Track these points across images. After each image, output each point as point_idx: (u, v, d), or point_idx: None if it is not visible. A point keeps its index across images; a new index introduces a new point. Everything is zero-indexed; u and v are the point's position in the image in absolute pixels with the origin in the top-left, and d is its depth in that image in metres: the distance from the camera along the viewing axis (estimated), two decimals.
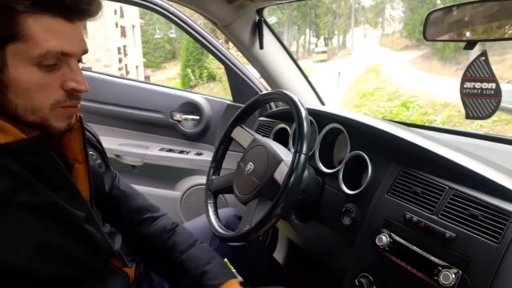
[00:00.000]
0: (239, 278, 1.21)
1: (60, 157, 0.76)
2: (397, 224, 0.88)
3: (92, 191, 0.80)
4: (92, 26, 19.29)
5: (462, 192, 0.80)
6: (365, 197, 1.00)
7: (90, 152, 0.86)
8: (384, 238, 0.88)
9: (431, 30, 0.95)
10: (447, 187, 0.83)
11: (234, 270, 1.41)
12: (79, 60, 0.69)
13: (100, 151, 0.94)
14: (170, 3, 1.60)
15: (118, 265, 0.86)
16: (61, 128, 0.69)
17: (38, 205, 0.65)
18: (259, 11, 1.37)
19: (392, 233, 0.88)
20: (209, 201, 1.19)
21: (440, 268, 0.76)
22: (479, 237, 0.73)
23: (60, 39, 0.63)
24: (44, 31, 0.61)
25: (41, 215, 0.66)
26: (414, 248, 0.83)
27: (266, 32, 1.43)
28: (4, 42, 0.60)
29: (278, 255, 1.79)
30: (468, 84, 0.83)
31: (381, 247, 0.88)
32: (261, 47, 1.42)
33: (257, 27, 1.40)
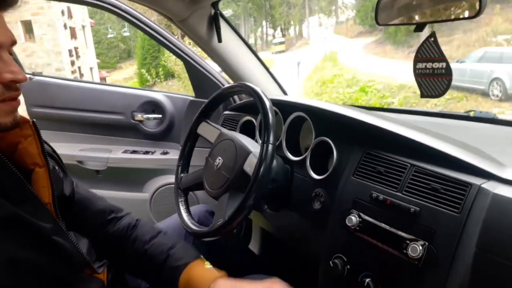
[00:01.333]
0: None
1: (18, 166, 0.73)
2: (364, 204, 0.92)
3: (55, 195, 0.76)
4: (39, 29, 18.33)
5: (423, 168, 0.85)
6: (333, 181, 1.03)
7: None
8: (353, 219, 0.91)
9: (382, 15, 0.98)
10: (409, 164, 0.87)
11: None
12: (10, 52, 0.66)
13: (56, 158, 0.89)
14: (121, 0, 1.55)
15: (88, 273, 0.83)
16: (8, 124, 0.66)
17: (1, 219, 0.62)
18: (214, 4, 1.36)
19: (361, 213, 0.91)
20: (179, 200, 1.17)
21: (408, 242, 0.80)
22: (441, 209, 0.77)
23: None
24: None
25: (5, 229, 0.63)
26: (382, 225, 0.86)
27: (223, 25, 1.42)
28: None
29: (253, 245, 1.80)
30: (420, 65, 0.87)
31: (352, 227, 0.91)
32: (219, 40, 1.41)
33: (214, 21, 1.38)
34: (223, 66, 1.56)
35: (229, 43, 1.49)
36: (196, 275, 0.87)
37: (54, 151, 0.91)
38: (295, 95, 1.39)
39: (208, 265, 0.91)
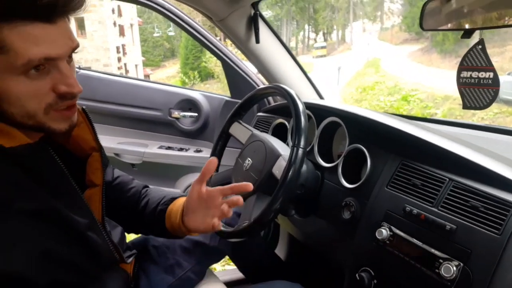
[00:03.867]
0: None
1: (70, 155, 0.80)
2: (397, 217, 0.87)
3: (104, 177, 0.82)
4: (90, 26, 19.28)
5: (462, 183, 0.79)
6: (365, 191, 0.99)
7: None
8: (384, 232, 0.87)
9: (428, 20, 0.93)
10: (447, 179, 0.82)
11: (235, 267, 1.41)
12: (70, 58, 0.67)
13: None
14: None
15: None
16: (62, 129, 0.68)
17: (38, 211, 0.64)
18: (255, 5, 1.36)
19: (392, 226, 0.87)
20: None
21: (441, 261, 0.75)
22: (480, 228, 0.72)
23: (42, 45, 0.60)
24: (22, 39, 0.58)
25: (41, 221, 0.64)
26: (415, 241, 0.82)
27: (262, 26, 1.41)
28: None
29: (280, 251, 1.78)
30: (465, 74, 0.82)
31: (381, 240, 0.88)
32: (257, 41, 1.40)
33: (253, 21, 1.38)
34: (260, 67, 1.56)
35: (267, 44, 1.48)
36: (177, 203, 0.92)
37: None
38: (332, 100, 1.36)
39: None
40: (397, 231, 0.86)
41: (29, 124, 0.65)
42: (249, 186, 0.82)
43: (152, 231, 0.99)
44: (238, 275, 1.50)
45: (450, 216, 0.78)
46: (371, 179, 0.99)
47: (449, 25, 0.92)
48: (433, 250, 0.78)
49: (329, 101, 1.30)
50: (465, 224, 0.74)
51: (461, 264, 0.72)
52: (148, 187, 1.04)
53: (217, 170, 1.24)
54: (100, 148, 0.82)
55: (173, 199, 0.94)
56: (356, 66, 21.14)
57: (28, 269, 0.62)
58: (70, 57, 0.67)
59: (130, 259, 0.89)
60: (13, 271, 0.60)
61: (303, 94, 1.57)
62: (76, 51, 0.68)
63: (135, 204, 0.98)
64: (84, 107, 0.80)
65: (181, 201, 0.93)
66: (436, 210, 0.81)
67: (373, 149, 1.02)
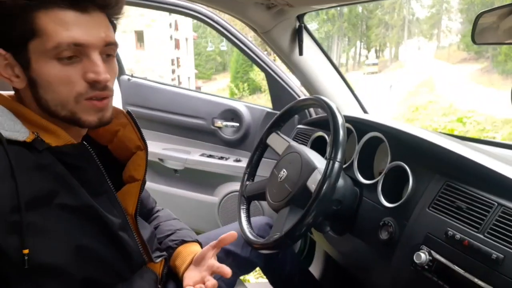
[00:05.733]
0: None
1: (111, 157, 0.85)
2: (438, 241, 0.82)
3: (145, 175, 0.85)
4: (149, 38, 20.36)
5: None
6: (405, 211, 0.94)
7: None
8: (423, 256, 0.82)
9: (481, 34, 0.88)
10: (496, 204, 0.76)
11: (265, 281, 1.38)
12: (108, 53, 0.70)
13: None
14: (222, 15, 1.63)
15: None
16: (92, 122, 0.70)
17: (77, 207, 0.67)
18: (299, 17, 1.36)
19: (432, 251, 0.82)
20: (242, 207, 1.17)
21: None
22: None
23: (72, 31, 0.63)
24: (55, 24, 0.63)
25: (79, 218, 0.67)
26: (456, 268, 0.76)
27: (306, 38, 1.41)
28: (25, 40, 0.63)
29: (314, 268, 1.73)
30: None
31: (420, 265, 0.82)
32: (301, 53, 1.40)
33: (297, 34, 1.38)
34: (302, 80, 1.55)
35: (310, 56, 1.46)
36: (186, 250, 0.96)
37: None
38: (375, 115, 1.31)
39: (199, 247, 0.99)
40: (437, 256, 0.80)
41: (62, 115, 0.68)
42: (234, 235, 0.88)
43: None
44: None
45: (497, 244, 0.71)
46: (412, 199, 0.93)
47: (505, 39, 0.86)
48: (476, 280, 0.71)
49: (372, 116, 1.25)
50: None
51: None
52: (156, 204, 1.12)
53: (252, 180, 1.24)
54: (145, 147, 0.85)
55: (183, 241, 0.98)
56: (409, 84, 20.44)
57: (64, 262, 0.64)
58: (108, 55, 0.70)
59: (159, 259, 0.90)
60: (51, 262, 0.63)
61: (346, 107, 1.54)
62: (109, 46, 0.69)
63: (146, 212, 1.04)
64: (129, 109, 0.84)
65: (191, 248, 0.97)
66: (481, 236, 0.74)
67: (416, 167, 0.97)
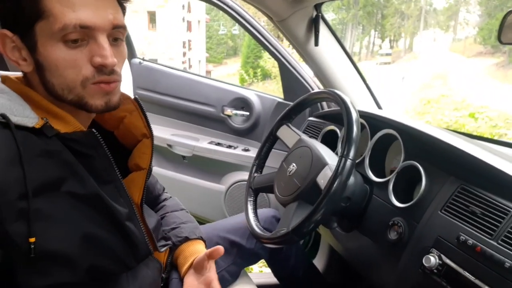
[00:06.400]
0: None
1: (117, 143, 0.84)
2: (449, 245, 0.80)
3: (151, 164, 0.84)
4: (161, 19, 20.23)
5: None
6: (416, 212, 0.92)
7: None
8: (432, 259, 0.80)
9: (508, 33, 0.84)
10: None
11: (270, 271, 1.38)
12: (117, 39, 0.68)
13: None
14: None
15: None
16: (98, 106, 0.68)
17: (85, 195, 0.66)
18: (317, 6, 1.32)
19: (442, 255, 0.80)
20: (249, 199, 1.16)
21: None
22: None
23: (78, 12, 0.62)
24: (62, 5, 0.61)
25: (86, 206, 0.67)
26: (467, 274, 0.74)
27: (322, 28, 1.37)
28: (32, 21, 0.62)
29: (318, 262, 1.73)
30: None
31: (429, 268, 0.80)
32: (316, 44, 1.36)
33: (314, 23, 1.34)
34: (316, 71, 1.51)
35: (326, 47, 1.43)
36: (189, 249, 0.97)
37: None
38: (390, 111, 1.28)
39: (203, 245, 1.00)
40: (447, 261, 0.78)
41: (69, 99, 0.67)
42: (220, 251, 0.89)
43: None
44: (273, 279, 1.47)
45: (511, 252, 0.69)
46: (424, 201, 0.91)
47: None
48: None
49: (387, 112, 1.22)
50: None
51: None
52: (165, 191, 1.12)
53: (261, 171, 1.23)
54: (151, 135, 0.84)
55: (187, 238, 0.98)
56: (422, 76, 20.12)
57: (71, 250, 0.64)
58: (116, 39, 0.68)
59: (164, 249, 0.90)
60: (58, 249, 0.63)
61: (360, 102, 1.51)
62: (117, 29, 0.67)
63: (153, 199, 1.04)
64: (136, 96, 0.82)
65: (194, 248, 0.97)
66: (495, 243, 0.72)
67: (430, 168, 0.94)
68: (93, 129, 0.71)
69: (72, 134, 0.67)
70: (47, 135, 0.64)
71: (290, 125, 1.17)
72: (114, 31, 0.67)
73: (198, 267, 0.92)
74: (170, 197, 1.12)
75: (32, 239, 0.59)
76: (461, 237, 0.77)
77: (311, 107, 1.58)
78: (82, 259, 0.65)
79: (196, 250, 0.97)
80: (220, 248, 0.89)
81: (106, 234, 0.69)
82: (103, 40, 0.65)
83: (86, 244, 0.66)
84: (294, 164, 1.04)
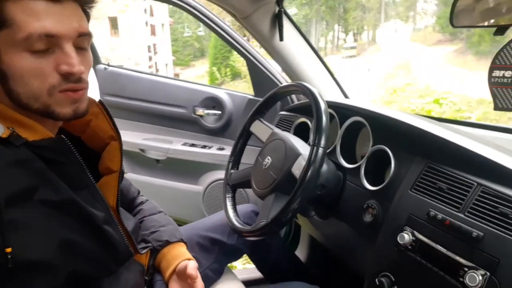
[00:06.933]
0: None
1: (86, 148, 0.82)
2: (420, 222, 0.84)
3: (122, 166, 0.84)
4: (123, 25, 19.81)
5: (491, 188, 0.75)
6: (388, 193, 0.96)
7: None
8: (406, 236, 0.84)
9: (459, 16, 0.89)
10: (475, 183, 0.78)
11: (253, 267, 1.40)
12: (82, 47, 0.68)
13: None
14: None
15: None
16: (66, 115, 0.68)
17: (59, 202, 0.65)
18: (279, 2, 1.34)
19: (415, 231, 0.84)
20: (227, 195, 1.17)
21: (466, 269, 0.71)
22: (509, 236, 0.68)
23: (43, 21, 0.61)
24: (25, 14, 0.60)
25: (62, 213, 0.66)
26: (438, 247, 0.78)
27: (286, 23, 1.40)
28: None
29: (300, 252, 1.76)
30: (497, 73, 0.77)
31: (403, 245, 0.84)
32: (281, 39, 1.38)
33: (277, 19, 1.37)
34: (283, 65, 1.54)
35: (291, 42, 1.46)
36: (171, 253, 0.96)
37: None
38: (356, 100, 1.32)
39: (184, 248, 1.00)
40: (420, 236, 0.82)
41: (35, 107, 0.66)
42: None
43: None
44: (257, 274, 1.48)
45: (477, 222, 0.73)
46: (395, 182, 0.95)
47: (481, 21, 0.87)
48: (458, 258, 0.74)
49: (354, 101, 1.26)
50: (493, 232, 0.70)
51: (488, 273, 0.68)
52: (140, 194, 1.11)
53: (237, 168, 1.24)
54: (118, 137, 0.83)
55: (168, 242, 0.97)
56: (386, 67, 20.68)
57: (49, 258, 0.63)
58: (82, 48, 0.68)
59: (145, 251, 0.90)
60: (36, 258, 0.62)
61: (328, 93, 1.54)
62: (83, 37, 0.67)
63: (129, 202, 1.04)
64: (101, 99, 0.81)
65: (176, 251, 0.97)
66: (462, 216, 0.77)
67: (398, 150, 0.98)
68: (62, 135, 0.70)
69: (40, 141, 0.66)
70: (15, 144, 0.63)
71: (262, 120, 1.19)
72: (80, 39, 0.67)
73: (182, 273, 0.92)
74: (147, 200, 1.11)
75: (9, 249, 0.58)
76: (431, 212, 0.81)
77: (282, 101, 1.61)
78: (62, 266, 0.65)
79: (178, 253, 0.97)
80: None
81: (84, 239, 0.69)
82: (69, 49, 0.64)
83: (65, 250, 0.65)
84: (269, 157, 1.06)
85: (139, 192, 1.11)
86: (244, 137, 1.23)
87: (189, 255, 0.98)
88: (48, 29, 0.61)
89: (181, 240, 1.00)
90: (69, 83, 0.65)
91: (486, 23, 0.87)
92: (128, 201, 1.05)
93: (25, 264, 0.60)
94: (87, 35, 0.68)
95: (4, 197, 0.59)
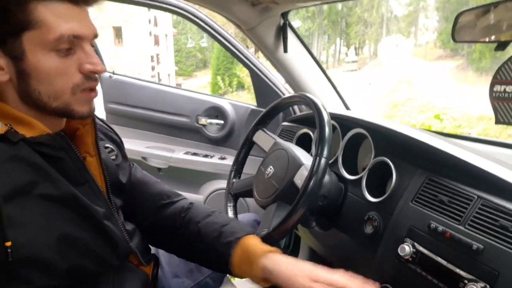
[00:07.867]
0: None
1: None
2: (421, 234, 0.84)
3: (108, 184, 0.79)
4: (127, 34, 20.01)
5: (491, 201, 0.76)
6: (389, 205, 0.96)
7: (106, 145, 0.88)
8: (407, 248, 0.84)
9: (461, 32, 0.91)
10: (476, 196, 0.79)
11: None
12: (92, 45, 0.70)
13: (118, 142, 0.94)
14: (202, 10, 1.63)
15: (135, 263, 0.86)
16: (84, 113, 0.70)
17: (59, 197, 0.66)
18: (284, 15, 1.37)
19: (415, 243, 0.84)
20: (229, 204, 1.18)
21: (466, 282, 0.72)
22: (509, 249, 0.68)
23: (71, 23, 0.65)
24: (55, 16, 0.64)
25: (62, 207, 0.67)
26: (439, 259, 0.78)
27: (290, 35, 1.42)
28: (19, 31, 0.63)
29: None
30: (498, 88, 0.78)
31: (404, 257, 0.84)
32: (285, 50, 1.41)
33: (282, 31, 1.39)
34: (287, 77, 1.56)
35: (295, 54, 1.48)
36: (250, 247, 0.85)
37: (116, 134, 0.95)
38: (358, 111, 1.34)
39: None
40: (421, 248, 0.83)
41: (53, 106, 0.68)
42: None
43: (187, 255, 0.97)
44: (256, 284, 1.48)
45: (478, 235, 0.74)
46: (396, 194, 0.96)
47: (483, 37, 0.89)
48: (458, 270, 0.74)
49: (355, 112, 1.28)
50: (493, 244, 0.71)
51: (488, 286, 0.69)
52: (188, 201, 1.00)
53: (239, 177, 1.25)
54: (96, 154, 0.78)
55: (239, 238, 0.87)
56: (387, 82, 20.80)
57: (48, 252, 0.64)
58: (92, 46, 0.71)
59: (149, 263, 0.89)
60: (35, 253, 0.63)
61: (330, 104, 1.56)
62: (94, 39, 0.71)
63: (158, 209, 0.96)
64: (109, 107, 0.83)
65: (255, 244, 0.86)
66: (462, 228, 0.77)
67: (399, 163, 0.99)
68: (61, 132, 0.72)
69: (38, 137, 0.67)
70: (13, 141, 0.64)
71: (265, 129, 1.20)
72: (92, 40, 0.70)
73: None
74: (183, 198, 1.02)
75: (9, 243, 0.59)
76: (432, 224, 0.82)
77: (284, 112, 1.62)
78: (61, 260, 0.65)
79: (259, 246, 0.86)
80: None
81: (85, 234, 0.70)
82: (90, 48, 0.68)
83: (64, 245, 0.66)
84: (271, 167, 1.07)
85: (174, 195, 1.02)
86: (247, 147, 1.24)
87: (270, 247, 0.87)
88: (76, 31, 0.65)
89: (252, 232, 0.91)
90: (92, 81, 0.69)
91: (487, 39, 0.89)
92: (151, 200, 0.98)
93: (25, 258, 0.61)
94: (97, 36, 0.72)
95: (3, 193, 0.60)
